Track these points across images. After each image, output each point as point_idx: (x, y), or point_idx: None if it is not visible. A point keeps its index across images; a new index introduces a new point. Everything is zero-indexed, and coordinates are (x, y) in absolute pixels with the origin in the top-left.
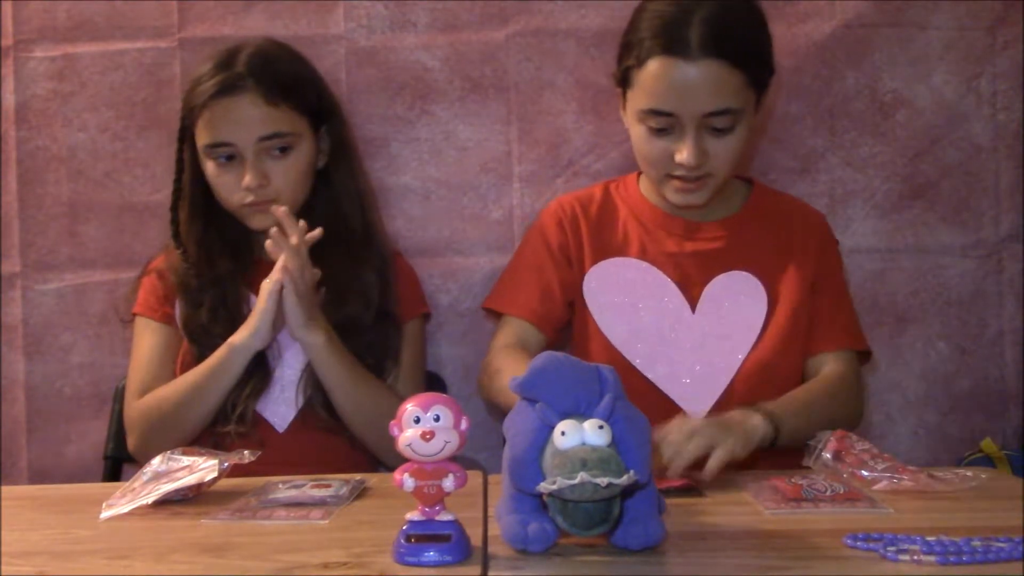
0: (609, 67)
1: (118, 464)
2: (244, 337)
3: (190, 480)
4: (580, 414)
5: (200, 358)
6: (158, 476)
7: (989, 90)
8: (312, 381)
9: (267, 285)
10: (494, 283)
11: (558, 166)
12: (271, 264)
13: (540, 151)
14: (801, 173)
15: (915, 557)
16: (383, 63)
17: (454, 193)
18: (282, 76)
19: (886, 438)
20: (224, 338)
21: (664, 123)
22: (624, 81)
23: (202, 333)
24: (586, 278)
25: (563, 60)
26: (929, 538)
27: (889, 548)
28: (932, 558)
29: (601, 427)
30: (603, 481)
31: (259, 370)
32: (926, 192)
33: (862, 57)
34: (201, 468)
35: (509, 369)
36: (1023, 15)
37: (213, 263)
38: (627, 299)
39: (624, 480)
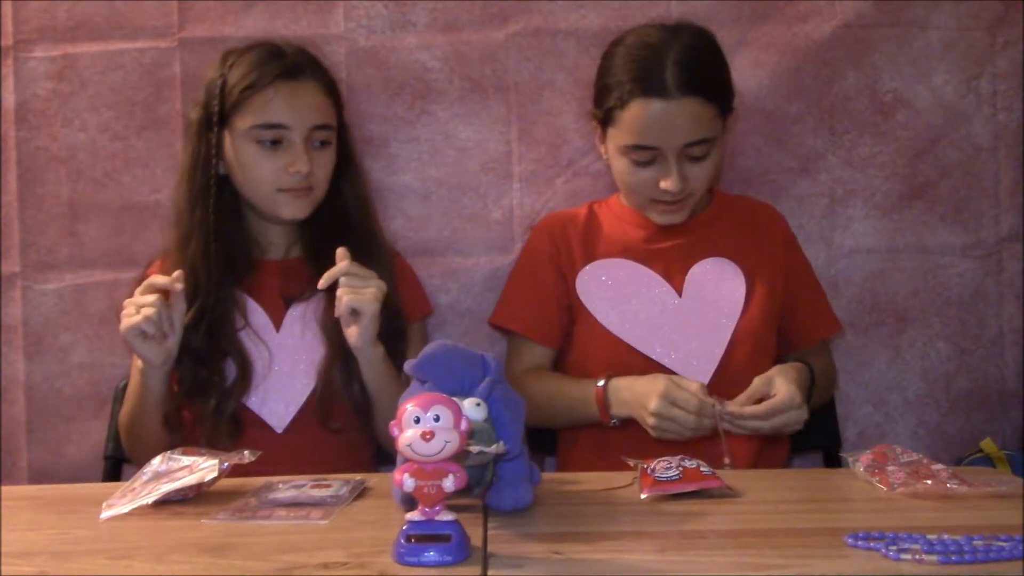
0: None
1: (118, 464)
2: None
3: (190, 480)
4: (464, 394)
5: (177, 371)
6: (158, 476)
7: (989, 90)
8: (309, 381)
9: None
10: (498, 291)
11: (558, 166)
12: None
13: (540, 151)
14: (801, 173)
15: (916, 556)
16: (383, 63)
17: (454, 193)
18: (327, 73)
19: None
20: (202, 352)
21: (648, 156)
22: (606, 120)
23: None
24: (578, 279)
25: (563, 60)
26: (930, 537)
27: (891, 547)
28: (934, 557)
29: (478, 404)
30: (475, 448)
31: (242, 377)
32: (926, 192)
33: (862, 57)
34: (201, 468)
35: (536, 386)
36: (1023, 15)
37: (210, 272)
38: (619, 293)
39: (494, 449)
